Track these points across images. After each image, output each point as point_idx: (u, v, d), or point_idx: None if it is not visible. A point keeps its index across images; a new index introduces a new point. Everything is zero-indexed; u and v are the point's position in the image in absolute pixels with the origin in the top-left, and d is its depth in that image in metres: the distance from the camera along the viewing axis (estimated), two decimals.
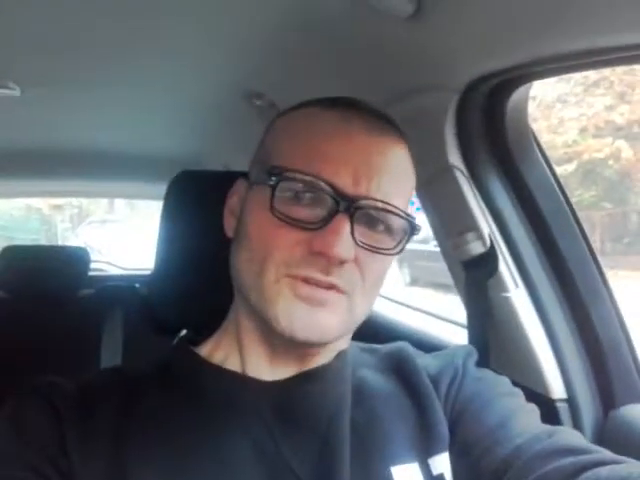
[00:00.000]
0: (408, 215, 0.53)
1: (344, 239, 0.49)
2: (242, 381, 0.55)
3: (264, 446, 0.52)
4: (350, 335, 0.60)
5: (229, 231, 0.59)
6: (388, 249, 0.53)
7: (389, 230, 0.53)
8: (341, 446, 0.53)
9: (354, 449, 0.54)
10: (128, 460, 0.50)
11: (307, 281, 0.50)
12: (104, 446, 0.50)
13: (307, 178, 0.50)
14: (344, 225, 0.49)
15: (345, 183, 0.50)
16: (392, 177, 0.53)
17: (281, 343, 0.54)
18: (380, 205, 0.51)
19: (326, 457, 0.52)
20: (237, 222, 0.58)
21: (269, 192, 0.51)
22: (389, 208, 0.52)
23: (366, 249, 0.51)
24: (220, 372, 0.56)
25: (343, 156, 0.51)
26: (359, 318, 0.55)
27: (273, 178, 0.51)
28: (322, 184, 0.50)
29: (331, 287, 0.51)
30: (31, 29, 0.90)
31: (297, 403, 0.55)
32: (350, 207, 0.50)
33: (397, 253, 0.54)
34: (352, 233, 0.50)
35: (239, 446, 0.52)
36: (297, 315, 0.50)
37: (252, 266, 0.52)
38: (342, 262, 0.50)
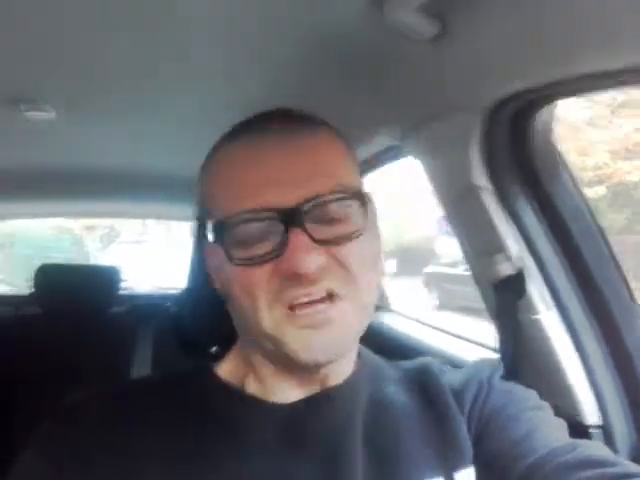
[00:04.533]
0: (352, 192, 0.52)
1: (306, 251, 0.48)
2: (248, 404, 0.55)
3: (270, 471, 0.51)
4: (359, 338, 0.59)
5: (220, 291, 0.59)
6: (353, 233, 0.52)
7: (345, 215, 0.52)
8: (352, 467, 0.52)
9: (371, 468, 0.53)
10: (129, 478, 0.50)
11: (301, 306, 0.50)
12: (104, 471, 0.50)
13: (244, 217, 0.50)
14: (300, 238, 0.49)
15: (281, 198, 0.50)
16: (319, 167, 0.52)
17: (299, 369, 0.53)
18: (321, 200, 0.50)
19: (335, 476, 0.52)
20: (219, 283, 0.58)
21: (222, 248, 0.51)
22: (329, 197, 0.51)
23: (333, 245, 0.51)
24: (229, 394, 0.56)
25: (263, 177, 0.51)
26: (369, 310, 0.54)
27: (218, 236, 0.52)
28: (260, 213, 0.50)
29: (323, 299, 0.50)
30: (66, 53, 0.93)
31: (303, 426, 0.54)
32: (296, 218, 0.49)
33: (364, 230, 0.52)
34: (312, 239, 0.49)
35: (244, 470, 0.51)
36: (308, 343, 0.50)
37: (248, 319, 0.53)
38: (315, 273, 0.49)
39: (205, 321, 0.67)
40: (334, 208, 0.52)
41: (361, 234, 0.52)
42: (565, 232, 0.81)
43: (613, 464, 0.48)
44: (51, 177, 1.86)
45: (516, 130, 0.80)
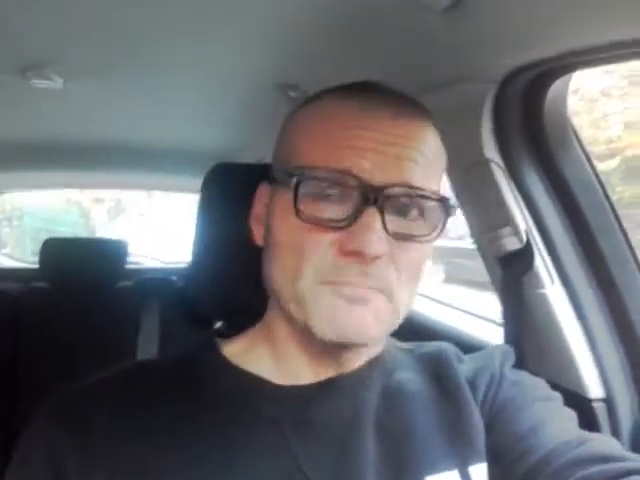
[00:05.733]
0: (441, 196, 0.50)
1: (376, 233, 0.46)
2: (260, 386, 0.54)
3: (279, 454, 0.50)
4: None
5: (258, 240, 0.57)
6: (424, 235, 0.50)
7: (423, 215, 0.50)
8: (361, 453, 0.51)
9: (383, 456, 0.52)
10: (133, 467, 0.49)
11: (343, 284, 0.48)
12: (106, 459, 0.49)
13: (330, 174, 0.48)
14: (374, 219, 0.46)
15: (371, 173, 0.47)
16: (420, 159, 0.50)
17: (319, 349, 0.52)
18: (410, 191, 0.48)
19: (345, 466, 0.50)
20: (265, 229, 0.55)
21: (292, 194, 0.48)
22: (420, 192, 0.49)
23: (401, 240, 0.48)
24: (238, 376, 0.55)
25: (366, 145, 0.48)
26: (401, 314, 0.52)
27: (294, 179, 0.48)
28: (347, 178, 0.47)
29: (371, 288, 0.48)
30: (72, 21, 0.92)
31: (315, 411, 0.53)
32: (378, 198, 0.47)
33: (434, 239, 0.51)
34: (384, 225, 0.47)
35: (253, 453, 0.50)
36: (339, 315, 0.48)
37: (286, 274, 0.50)
38: (376, 258, 0.47)
39: (211, 295, 0.67)
40: (417, 205, 0.49)
41: (430, 241, 0.51)
42: (574, 206, 0.80)
43: (621, 459, 0.48)
44: (58, 147, 1.85)
45: (528, 102, 0.79)
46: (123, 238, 2.10)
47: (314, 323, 0.49)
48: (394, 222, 0.48)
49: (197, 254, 0.68)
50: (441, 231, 0.51)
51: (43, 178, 2.24)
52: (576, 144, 0.82)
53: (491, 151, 0.81)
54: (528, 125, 0.81)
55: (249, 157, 1.87)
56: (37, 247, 1.86)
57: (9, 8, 0.86)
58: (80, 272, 1.79)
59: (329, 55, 0.96)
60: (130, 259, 2.14)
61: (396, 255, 0.49)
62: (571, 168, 0.81)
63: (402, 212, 0.49)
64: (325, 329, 0.48)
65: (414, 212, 0.50)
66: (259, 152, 1.82)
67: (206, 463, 0.49)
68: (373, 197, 0.47)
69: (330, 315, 0.48)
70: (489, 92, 0.77)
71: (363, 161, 0.48)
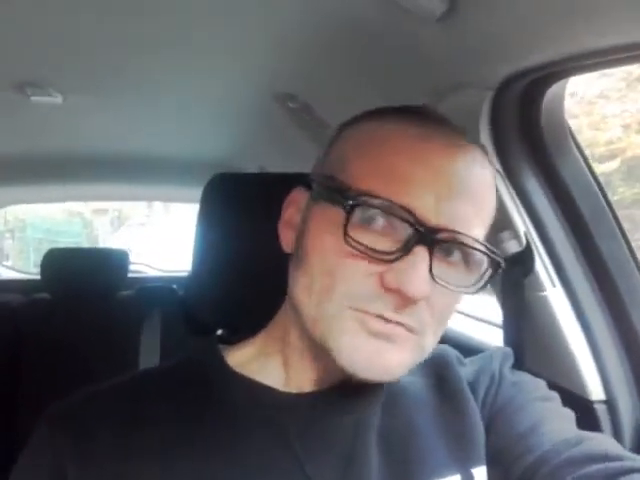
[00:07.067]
0: (492, 251, 0.47)
1: (422, 276, 0.44)
2: (267, 394, 0.53)
3: (285, 464, 0.49)
4: None
5: (286, 246, 0.55)
6: (466, 286, 0.48)
7: (467, 262, 0.48)
8: (367, 462, 0.51)
9: (387, 462, 0.52)
10: (139, 476, 0.48)
11: (377, 318, 0.46)
12: (110, 469, 0.48)
13: (386, 204, 0.45)
14: (422, 259, 0.44)
15: (426, 210, 0.45)
16: (475, 202, 0.48)
17: (335, 368, 0.49)
18: (461, 238, 0.46)
19: (351, 474, 0.50)
20: (297, 239, 0.53)
21: (342, 215, 0.45)
22: (471, 243, 0.46)
23: (443, 286, 0.46)
24: (245, 384, 0.54)
25: (424, 179, 0.46)
26: (425, 355, 0.50)
27: (349, 202, 0.45)
28: (401, 211, 0.45)
29: (400, 325, 0.46)
30: (71, 38, 0.93)
31: (321, 419, 0.52)
32: (430, 239, 0.44)
33: (475, 292, 0.48)
34: (430, 268, 0.44)
35: (259, 462, 0.49)
36: (363, 351, 0.46)
37: (312, 294, 0.48)
38: (416, 300, 0.45)
39: (211, 304, 0.68)
40: (464, 251, 0.47)
41: (471, 292, 0.49)
42: (573, 209, 0.80)
43: (619, 458, 0.47)
44: (59, 161, 1.86)
45: (525, 107, 0.79)
46: (124, 248, 2.11)
47: (334, 349, 0.47)
48: (440, 266, 0.46)
49: (197, 263, 0.68)
50: (484, 285, 0.49)
51: (45, 192, 2.25)
52: (574, 147, 0.82)
53: (489, 156, 0.81)
54: (525, 130, 0.81)
55: (248, 167, 1.88)
56: (39, 258, 1.86)
57: (8, 25, 0.87)
58: (81, 282, 1.80)
59: (327, 66, 0.97)
60: (132, 268, 2.14)
61: (434, 298, 0.47)
62: (570, 171, 0.81)
63: (448, 257, 0.47)
64: (345, 360, 0.46)
65: (458, 254, 0.48)
66: (258, 162, 1.83)
67: (213, 472, 0.49)
68: (425, 237, 0.45)
69: (354, 351, 0.46)
70: (486, 98, 0.77)
71: (420, 195, 0.45)
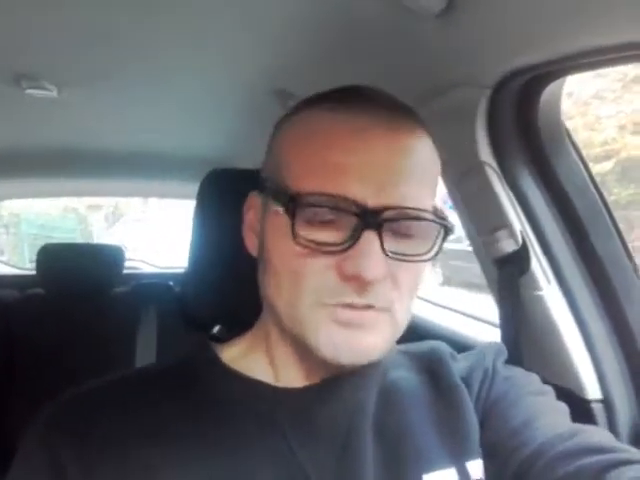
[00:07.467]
0: (440, 217, 0.50)
1: (375, 258, 0.46)
2: (259, 389, 0.54)
3: (280, 455, 0.50)
4: None
5: (251, 250, 0.57)
6: (421, 254, 0.50)
7: (420, 235, 0.50)
8: (362, 453, 0.51)
9: (382, 456, 0.52)
10: (136, 473, 0.48)
11: (343, 306, 0.48)
12: (108, 466, 0.48)
13: (327, 200, 0.47)
14: (373, 242, 0.46)
15: (368, 196, 0.46)
16: (418, 177, 0.49)
17: (316, 360, 0.51)
18: (407, 213, 0.48)
19: (345, 465, 0.51)
20: (259, 243, 0.55)
21: (288, 218, 0.47)
22: (419, 215, 0.48)
23: (399, 260, 0.48)
24: (237, 379, 0.55)
25: (363, 167, 0.47)
26: (401, 329, 0.52)
27: (290, 205, 0.47)
28: (343, 202, 0.46)
29: (369, 307, 0.48)
30: (66, 31, 0.92)
31: (315, 411, 0.53)
32: (376, 221, 0.46)
33: (432, 258, 0.50)
34: (382, 248, 0.46)
35: (255, 455, 0.50)
36: (340, 341, 0.48)
37: (282, 293, 0.50)
38: (376, 281, 0.47)
39: (207, 300, 0.67)
40: (414, 225, 0.49)
41: (427, 260, 0.50)
42: (569, 208, 0.81)
43: (613, 450, 0.48)
44: (53, 156, 1.85)
45: (522, 106, 0.79)
46: (120, 244, 2.10)
47: (314, 345, 0.49)
48: (392, 243, 0.48)
49: (194, 259, 0.68)
50: (439, 249, 0.50)
51: (39, 187, 2.23)
52: (570, 146, 0.83)
53: (486, 154, 0.82)
54: (522, 128, 0.81)
55: (245, 163, 1.87)
56: (34, 254, 1.85)
57: (3, 19, 0.86)
58: (77, 278, 1.78)
59: (324, 62, 0.96)
60: (127, 264, 2.14)
61: (395, 274, 0.49)
62: (566, 170, 0.82)
63: (399, 232, 0.49)
64: (325, 352, 0.48)
65: (411, 231, 0.49)
66: (255, 158, 1.82)
67: (209, 467, 0.49)
68: (371, 221, 0.46)
69: (331, 342, 0.48)
70: (483, 96, 0.77)
71: (358, 184, 0.47)
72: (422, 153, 0.51)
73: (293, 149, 0.51)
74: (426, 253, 0.50)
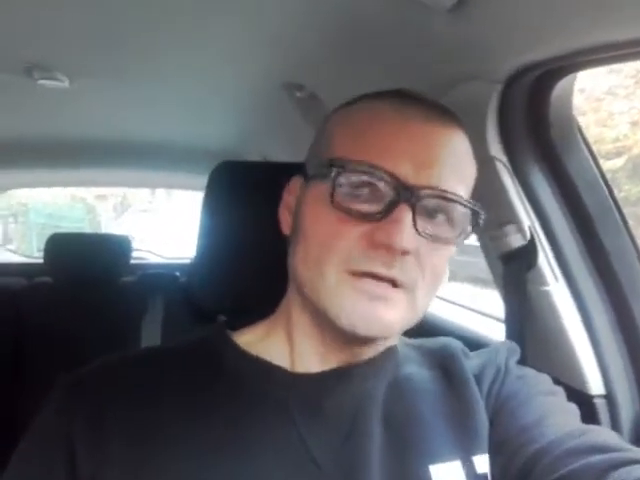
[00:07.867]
0: (470, 202, 0.53)
1: (406, 229, 0.48)
2: (272, 372, 0.56)
3: (289, 438, 0.52)
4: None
5: (285, 228, 0.59)
6: (450, 238, 0.52)
7: (450, 220, 0.52)
8: (368, 439, 0.52)
9: (388, 444, 0.53)
10: (149, 451, 0.50)
11: (369, 276, 0.50)
12: (121, 447, 0.50)
13: (368, 169, 0.50)
14: (406, 214, 0.49)
15: (406, 173, 0.50)
16: (452, 164, 0.52)
17: (336, 339, 0.54)
18: (442, 194, 0.51)
19: (351, 451, 0.52)
20: (293, 219, 0.57)
21: (329, 185, 0.50)
22: (451, 197, 0.51)
23: (428, 239, 0.51)
24: (251, 361, 0.57)
25: (402, 146, 0.51)
26: (420, 313, 0.54)
27: (333, 170, 0.50)
28: (383, 174, 0.49)
29: (393, 282, 0.50)
30: (79, 22, 0.93)
31: (324, 397, 0.54)
32: (411, 197, 0.49)
33: (460, 243, 0.53)
34: (414, 222, 0.49)
35: (264, 438, 0.52)
36: (359, 310, 0.50)
37: (310, 265, 0.52)
38: (404, 253, 0.49)
39: (214, 291, 0.68)
40: (446, 209, 0.52)
41: (455, 244, 0.54)
42: (578, 204, 0.80)
43: (620, 449, 0.48)
44: (63, 146, 1.86)
45: (533, 101, 0.79)
46: (127, 234, 2.11)
47: (334, 313, 0.51)
48: (423, 223, 0.50)
49: (201, 250, 0.68)
50: (466, 236, 0.54)
51: (49, 176, 2.25)
52: (581, 142, 0.82)
53: (496, 149, 0.81)
54: (533, 123, 0.80)
55: (254, 156, 1.88)
56: (42, 243, 1.87)
57: (16, 9, 0.86)
58: (84, 267, 1.80)
59: (335, 56, 0.96)
60: (134, 255, 2.14)
61: (422, 254, 0.51)
62: (576, 166, 0.81)
63: (431, 214, 0.52)
64: (344, 321, 0.50)
65: (442, 216, 0.52)
66: (264, 151, 1.83)
67: (219, 444, 0.51)
68: (406, 196, 0.49)
69: (351, 311, 0.50)
70: (494, 91, 0.77)
71: (400, 162, 0.50)
72: (459, 148, 0.55)
73: (343, 130, 0.55)
74: (455, 237, 0.53)
